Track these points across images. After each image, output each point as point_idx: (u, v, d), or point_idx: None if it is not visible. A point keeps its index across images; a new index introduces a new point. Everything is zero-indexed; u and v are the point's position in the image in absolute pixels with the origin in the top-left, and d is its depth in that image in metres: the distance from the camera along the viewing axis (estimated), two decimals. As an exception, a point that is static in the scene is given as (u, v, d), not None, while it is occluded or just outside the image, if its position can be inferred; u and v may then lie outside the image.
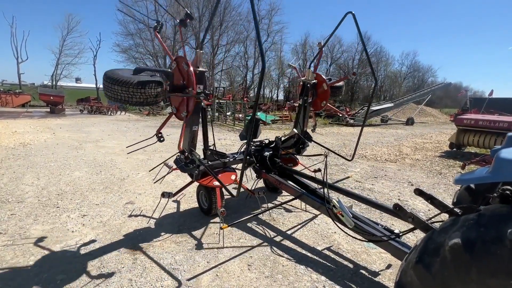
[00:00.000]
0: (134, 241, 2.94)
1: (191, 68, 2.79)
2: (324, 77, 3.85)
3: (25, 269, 2.43)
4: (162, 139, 3.05)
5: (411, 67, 54.93)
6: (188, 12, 2.85)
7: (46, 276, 2.33)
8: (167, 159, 3.57)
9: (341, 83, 4.19)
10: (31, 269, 2.43)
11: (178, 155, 3.14)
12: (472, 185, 2.02)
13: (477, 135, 7.70)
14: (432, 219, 1.96)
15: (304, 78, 3.89)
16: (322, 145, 4.55)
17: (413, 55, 61.88)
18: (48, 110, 23.02)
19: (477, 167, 5.93)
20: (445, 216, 2.01)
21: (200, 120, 3.21)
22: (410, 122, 19.30)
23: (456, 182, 1.58)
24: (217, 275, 2.42)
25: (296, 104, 4.17)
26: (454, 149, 8.61)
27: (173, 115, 3.18)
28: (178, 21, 2.89)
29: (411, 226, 2.03)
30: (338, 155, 4.94)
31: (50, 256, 2.63)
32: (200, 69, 2.91)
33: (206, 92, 2.91)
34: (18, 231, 3.06)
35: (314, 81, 3.85)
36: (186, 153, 3.02)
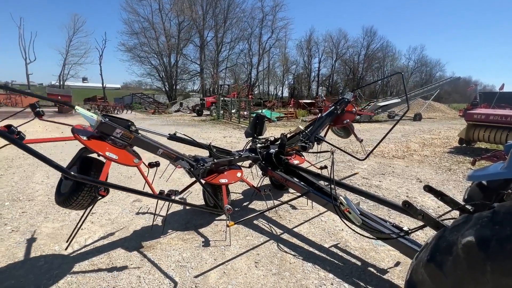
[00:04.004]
0: (142, 238, 2.97)
1: (83, 139, 2.17)
2: (354, 110, 4.62)
3: (36, 265, 2.48)
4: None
5: (419, 62, 53.95)
6: None
7: (57, 273, 2.37)
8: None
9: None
10: (42, 266, 2.47)
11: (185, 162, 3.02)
12: (484, 182, 1.97)
13: (487, 130, 7.52)
14: (443, 217, 1.92)
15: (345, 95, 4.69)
16: (333, 145, 4.53)
17: (421, 49, 60.68)
18: (56, 110, 23.41)
19: (488, 163, 5.80)
20: (455, 214, 1.97)
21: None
22: (417, 117, 18.97)
23: (469, 178, 1.54)
24: (224, 272, 2.43)
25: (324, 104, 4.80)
26: (464, 145, 8.44)
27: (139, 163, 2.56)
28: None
29: (420, 223, 2.00)
30: (350, 154, 4.90)
31: (60, 253, 2.68)
32: (95, 123, 2.23)
33: (130, 124, 2.47)
34: (29, 229, 3.12)
35: (350, 99, 4.51)
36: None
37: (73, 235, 2.41)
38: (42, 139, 2.23)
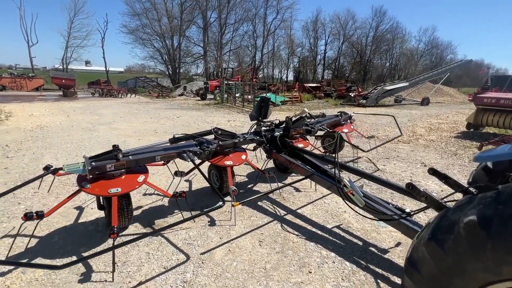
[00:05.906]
0: (150, 217, 3.07)
1: (87, 189, 2.42)
2: (352, 127, 5.53)
3: (51, 242, 2.60)
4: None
5: (429, 44, 51.88)
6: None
7: (70, 249, 2.49)
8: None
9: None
10: (56, 243, 2.59)
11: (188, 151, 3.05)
12: (490, 165, 1.96)
13: (497, 115, 7.36)
14: (446, 199, 1.94)
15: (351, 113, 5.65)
16: (335, 132, 4.55)
17: (432, 31, 58.03)
18: (61, 93, 23.49)
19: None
20: (459, 196, 1.98)
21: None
22: (425, 102, 18.57)
23: (476, 159, 1.54)
24: (229, 250, 2.52)
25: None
26: (471, 130, 8.31)
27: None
28: None
29: (423, 205, 2.01)
30: (353, 145, 4.94)
31: (73, 231, 2.79)
32: (84, 171, 2.45)
33: (117, 153, 2.63)
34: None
35: (352, 115, 5.57)
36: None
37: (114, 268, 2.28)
38: (58, 205, 2.52)
